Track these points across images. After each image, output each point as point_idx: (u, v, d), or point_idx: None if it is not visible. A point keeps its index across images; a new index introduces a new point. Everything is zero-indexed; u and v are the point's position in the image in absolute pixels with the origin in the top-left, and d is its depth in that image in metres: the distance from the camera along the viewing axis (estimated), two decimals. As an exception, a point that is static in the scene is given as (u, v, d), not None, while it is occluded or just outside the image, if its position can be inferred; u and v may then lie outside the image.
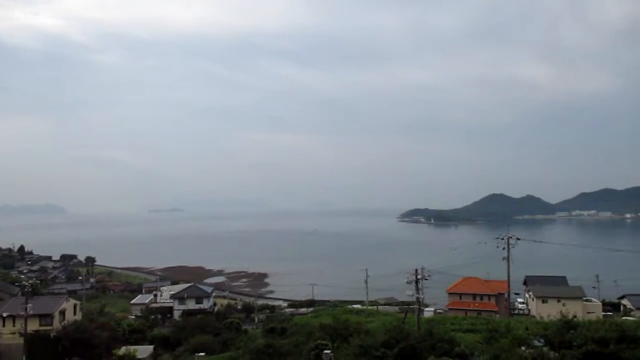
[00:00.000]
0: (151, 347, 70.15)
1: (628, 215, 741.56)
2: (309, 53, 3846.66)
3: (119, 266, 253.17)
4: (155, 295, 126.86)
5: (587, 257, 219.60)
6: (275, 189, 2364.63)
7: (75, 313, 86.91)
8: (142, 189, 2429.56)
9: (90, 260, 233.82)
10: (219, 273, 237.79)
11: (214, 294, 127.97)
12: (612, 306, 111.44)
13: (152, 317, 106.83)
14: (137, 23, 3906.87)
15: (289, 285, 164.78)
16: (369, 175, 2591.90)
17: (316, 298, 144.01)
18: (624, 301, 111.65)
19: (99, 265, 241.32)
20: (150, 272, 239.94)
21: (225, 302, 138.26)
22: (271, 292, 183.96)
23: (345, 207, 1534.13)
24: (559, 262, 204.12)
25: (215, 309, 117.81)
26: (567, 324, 44.08)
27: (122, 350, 62.26)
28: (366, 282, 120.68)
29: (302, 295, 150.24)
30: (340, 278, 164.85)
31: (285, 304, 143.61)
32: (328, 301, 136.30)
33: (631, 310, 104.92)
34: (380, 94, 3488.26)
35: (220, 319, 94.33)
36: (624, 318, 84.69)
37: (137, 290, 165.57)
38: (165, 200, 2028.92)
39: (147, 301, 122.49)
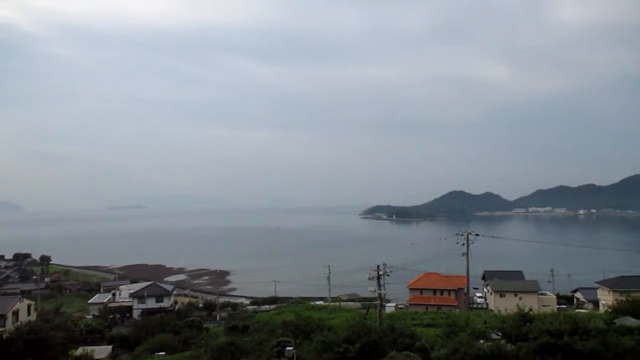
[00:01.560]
0: (109, 347, 68.67)
1: (581, 212, 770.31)
2: (271, 49, 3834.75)
3: (76, 265, 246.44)
4: (114, 295, 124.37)
5: (543, 252, 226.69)
6: (237, 186, 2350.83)
7: (29, 314, 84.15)
8: (102, 185, 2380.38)
9: (45, 259, 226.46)
10: (180, 271, 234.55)
11: (174, 292, 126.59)
12: (566, 299, 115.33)
13: (111, 316, 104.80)
14: (89, 15, 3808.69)
15: (251, 282, 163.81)
16: (331, 172, 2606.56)
17: (279, 295, 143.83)
18: (577, 294, 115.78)
19: (55, 264, 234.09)
20: (109, 270, 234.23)
21: (186, 300, 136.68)
22: (233, 289, 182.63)
23: (308, 204, 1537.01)
24: (516, 257, 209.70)
25: (176, 307, 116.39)
26: (524, 317, 45.25)
27: (79, 351, 60.64)
28: (329, 278, 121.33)
29: (265, 292, 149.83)
30: (303, 275, 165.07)
31: (248, 302, 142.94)
32: (291, 298, 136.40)
33: (584, 302, 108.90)
34: (344, 91, 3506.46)
35: (181, 318, 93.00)
36: (577, 310, 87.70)
37: (95, 289, 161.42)
38: (126, 196, 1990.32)
39: (105, 300, 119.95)
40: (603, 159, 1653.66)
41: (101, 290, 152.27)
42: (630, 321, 51.78)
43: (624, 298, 70.99)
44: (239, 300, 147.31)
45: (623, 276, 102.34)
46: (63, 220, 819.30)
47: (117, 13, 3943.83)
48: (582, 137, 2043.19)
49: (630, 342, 37.14)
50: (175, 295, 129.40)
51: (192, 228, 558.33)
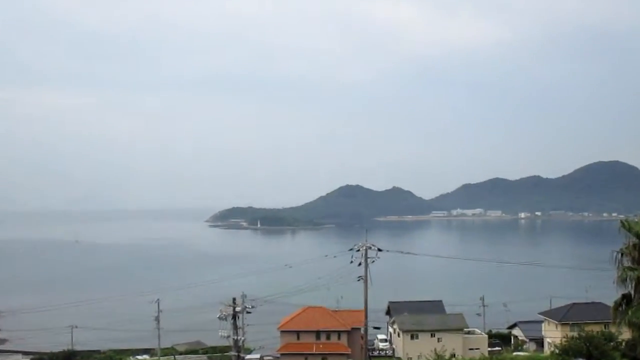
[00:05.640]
0: None
1: (522, 215, 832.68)
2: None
3: None
4: None
5: (470, 273, 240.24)
6: (19, 177, 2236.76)
7: None
8: None
9: None
10: None
11: None
12: (501, 338, 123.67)
13: None
14: None
15: (33, 329, 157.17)
16: (166, 157, 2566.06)
17: (77, 348, 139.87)
18: (515, 331, 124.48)
19: None
20: None
21: None
22: (3, 341, 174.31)
23: (132, 206, 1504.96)
24: (434, 281, 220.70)
25: None
26: (443, 367, 47.71)
27: None
28: (158, 319, 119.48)
29: (55, 343, 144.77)
30: (117, 315, 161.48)
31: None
32: (97, 351, 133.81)
33: (524, 342, 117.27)
34: (187, 31, 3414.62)
35: None
36: (515, 354, 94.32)
37: None
38: None
39: None
40: (553, 142, 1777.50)
41: None
42: (583, 366, 56.62)
43: (575, 333, 77.61)
44: (10, 358, 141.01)
45: (575, 303, 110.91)
46: None
47: None
48: (527, 107, 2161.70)
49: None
50: None
51: None
